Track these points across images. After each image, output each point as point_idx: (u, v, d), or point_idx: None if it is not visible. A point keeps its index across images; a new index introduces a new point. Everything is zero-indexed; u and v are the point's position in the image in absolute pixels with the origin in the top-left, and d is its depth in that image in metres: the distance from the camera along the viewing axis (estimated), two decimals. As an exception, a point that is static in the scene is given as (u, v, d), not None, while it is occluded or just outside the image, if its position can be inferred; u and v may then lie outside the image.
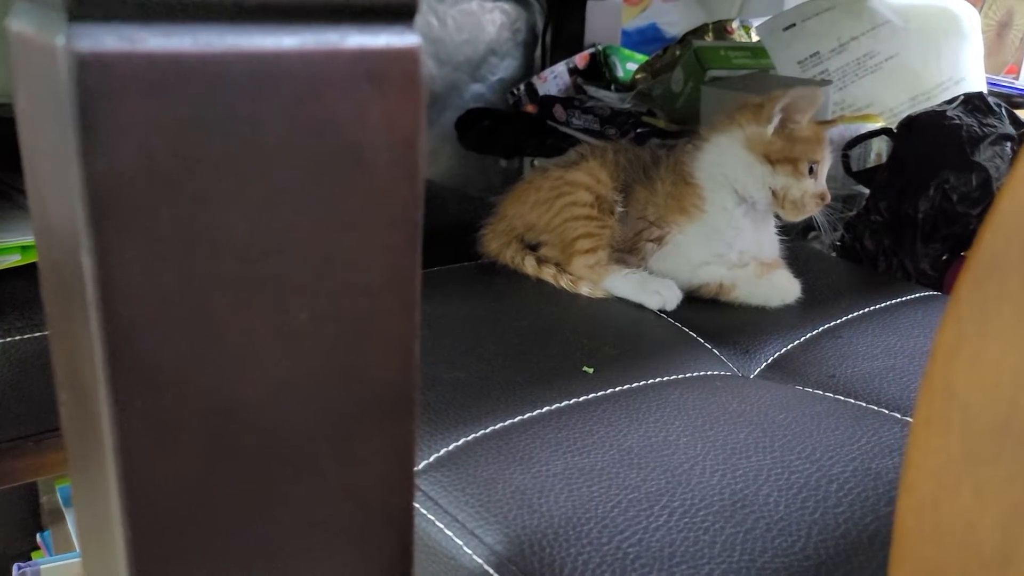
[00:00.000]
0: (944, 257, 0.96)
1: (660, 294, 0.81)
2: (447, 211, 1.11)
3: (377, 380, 0.31)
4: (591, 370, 0.67)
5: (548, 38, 1.63)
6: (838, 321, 0.79)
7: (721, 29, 1.44)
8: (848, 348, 0.73)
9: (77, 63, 0.23)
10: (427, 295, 0.84)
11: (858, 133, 1.11)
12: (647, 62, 1.48)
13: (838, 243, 1.04)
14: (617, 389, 0.65)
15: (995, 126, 0.95)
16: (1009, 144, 0.94)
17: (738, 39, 1.44)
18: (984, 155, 0.93)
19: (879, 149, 1.12)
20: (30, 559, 1.02)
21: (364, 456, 0.32)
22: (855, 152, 1.10)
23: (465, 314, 0.77)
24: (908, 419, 0.62)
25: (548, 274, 0.86)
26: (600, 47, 1.55)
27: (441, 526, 0.50)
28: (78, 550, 1.08)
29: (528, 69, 1.64)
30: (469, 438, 0.57)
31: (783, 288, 0.84)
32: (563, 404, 0.62)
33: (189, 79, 0.24)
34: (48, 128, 0.26)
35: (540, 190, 0.89)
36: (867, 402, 0.65)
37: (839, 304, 0.83)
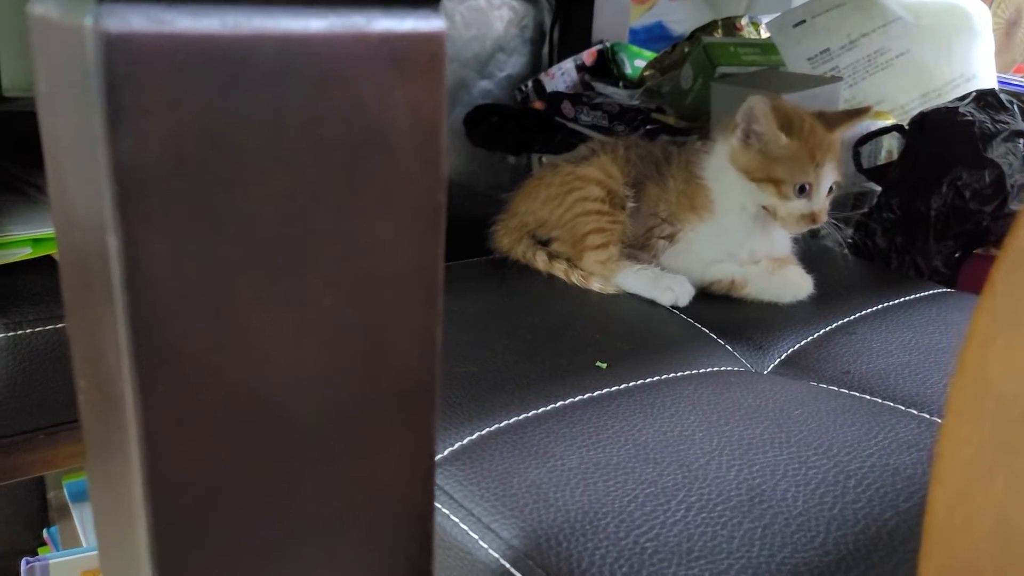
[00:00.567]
0: (957, 254, 0.96)
1: (672, 290, 0.81)
2: (455, 207, 1.11)
3: (399, 369, 0.31)
4: (604, 365, 0.67)
5: (556, 35, 1.63)
6: (852, 317, 0.79)
7: (730, 26, 1.44)
8: (862, 344, 0.73)
9: (105, 43, 0.23)
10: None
11: (869, 130, 1.10)
12: (656, 59, 1.47)
13: (849, 240, 1.04)
14: (631, 384, 0.64)
15: (1008, 122, 0.95)
16: (1022, 141, 0.94)
17: (747, 36, 1.44)
18: (997, 151, 0.92)
19: (890, 146, 1.11)
20: (36, 555, 1.02)
21: (386, 446, 0.32)
22: (866, 149, 1.09)
23: (477, 309, 0.77)
24: (925, 415, 0.61)
25: (559, 269, 0.85)
26: (608, 44, 1.54)
27: (456, 520, 0.50)
28: (85, 544, 1.08)
29: (536, 66, 1.63)
30: (483, 432, 0.57)
31: (795, 284, 0.84)
32: (577, 399, 0.62)
33: (216, 61, 0.24)
34: (72, 111, 0.25)
35: (551, 186, 0.89)
36: (883, 398, 0.64)
37: (852, 301, 0.82)
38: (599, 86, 1.46)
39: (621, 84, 1.48)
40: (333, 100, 0.27)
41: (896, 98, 1.20)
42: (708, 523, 0.47)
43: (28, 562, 0.96)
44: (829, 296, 0.84)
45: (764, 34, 1.44)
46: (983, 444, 0.26)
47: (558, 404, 0.61)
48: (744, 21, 1.46)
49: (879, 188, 1.04)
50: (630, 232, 0.87)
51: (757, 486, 0.51)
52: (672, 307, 0.81)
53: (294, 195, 0.27)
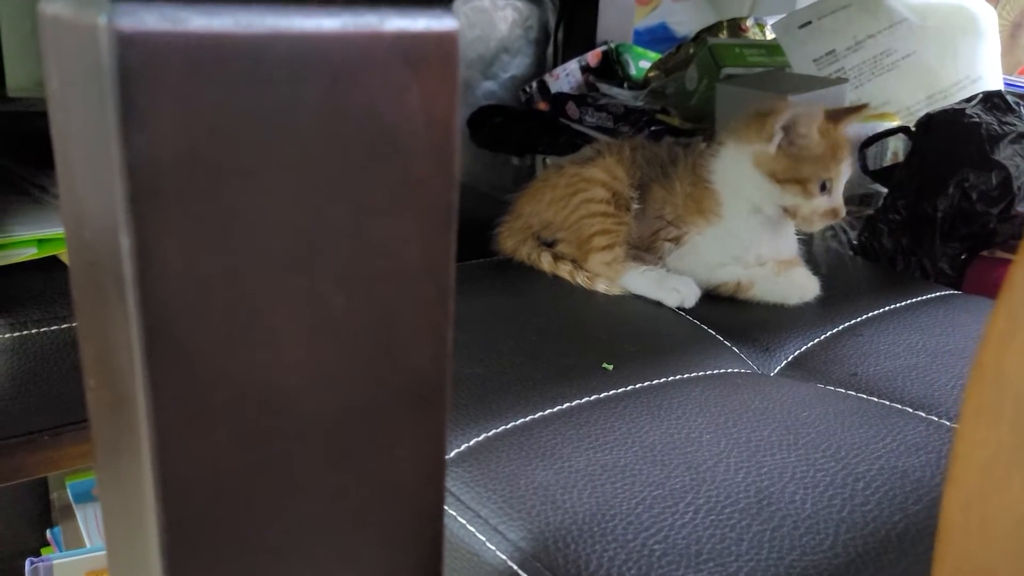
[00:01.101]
0: (963, 256, 0.96)
1: (678, 291, 0.81)
2: (460, 208, 1.11)
3: (411, 368, 0.31)
4: (610, 367, 0.67)
5: (560, 36, 1.62)
6: (858, 319, 0.79)
7: (736, 27, 1.44)
8: (870, 346, 0.73)
9: (119, 41, 0.22)
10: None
11: (874, 132, 1.10)
12: (660, 60, 1.47)
13: (855, 242, 1.04)
14: (637, 386, 0.64)
15: (1015, 124, 0.94)
16: (1029, 143, 0.94)
17: (753, 37, 1.44)
18: (1004, 153, 0.92)
19: (896, 148, 1.11)
20: (40, 555, 1.02)
21: (397, 446, 0.31)
22: (871, 151, 1.09)
23: (481, 311, 0.77)
24: (933, 418, 0.61)
25: (564, 271, 0.85)
26: (612, 45, 1.54)
27: (463, 522, 0.49)
28: (89, 545, 1.08)
29: (540, 67, 1.63)
30: (490, 434, 0.57)
31: (801, 286, 0.84)
32: (583, 400, 0.61)
33: (229, 59, 0.24)
34: (84, 109, 0.25)
35: (556, 187, 0.89)
36: (891, 400, 0.64)
37: (859, 302, 0.82)
38: (604, 87, 1.46)
39: (626, 85, 1.48)
40: (346, 99, 0.26)
41: (902, 100, 1.19)
42: (716, 525, 0.47)
43: (32, 563, 0.96)
44: (835, 298, 0.84)
45: (769, 35, 1.44)
46: (1000, 446, 0.26)
47: (565, 406, 0.60)
48: (749, 22, 1.46)
49: (885, 190, 1.04)
50: (635, 234, 0.86)
51: (765, 488, 0.50)
52: (678, 309, 0.81)
53: (307, 194, 0.27)
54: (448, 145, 0.29)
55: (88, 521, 1.13)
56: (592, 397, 0.62)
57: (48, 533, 1.20)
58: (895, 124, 1.12)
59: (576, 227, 0.86)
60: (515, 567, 0.46)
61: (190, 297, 0.26)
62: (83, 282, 0.31)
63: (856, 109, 0.85)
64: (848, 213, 0.86)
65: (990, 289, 0.91)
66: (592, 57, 1.55)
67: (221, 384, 0.27)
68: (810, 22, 1.22)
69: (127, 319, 0.25)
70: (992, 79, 1.23)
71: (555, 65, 1.59)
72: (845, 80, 1.17)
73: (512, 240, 0.90)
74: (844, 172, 0.82)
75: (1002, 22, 1.71)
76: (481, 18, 1.57)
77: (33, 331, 0.71)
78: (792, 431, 0.57)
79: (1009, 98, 0.98)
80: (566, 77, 1.54)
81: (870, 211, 1.04)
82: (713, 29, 1.44)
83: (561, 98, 1.42)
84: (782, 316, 0.80)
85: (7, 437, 0.74)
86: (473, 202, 1.14)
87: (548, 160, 1.38)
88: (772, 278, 0.84)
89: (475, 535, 0.48)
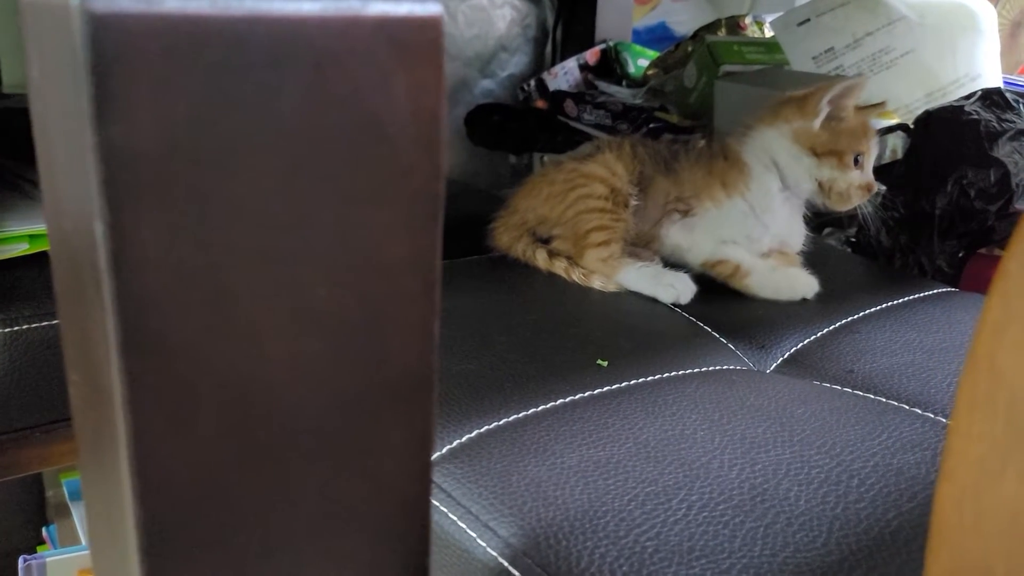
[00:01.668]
0: (961, 254, 0.95)
1: (674, 287, 0.80)
2: (456, 206, 1.10)
3: (397, 362, 0.30)
4: (605, 363, 0.66)
5: (559, 34, 1.62)
6: (855, 317, 0.78)
7: (734, 24, 1.43)
8: (866, 344, 0.72)
9: (91, 23, 0.22)
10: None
11: (875, 128, 1.09)
12: (659, 58, 1.47)
13: (853, 239, 1.03)
14: (632, 382, 0.64)
15: (1014, 121, 0.94)
16: (1028, 140, 0.93)
17: (751, 34, 1.43)
18: (1003, 151, 0.92)
19: (894, 145, 1.10)
20: (35, 553, 1.02)
21: (382, 441, 0.31)
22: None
23: (476, 307, 0.76)
24: (929, 415, 0.61)
25: (560, 267, 0.85)
26: (611, 43, 1.54)
27: (454, 518, 0.49)
28: (84, 542, 1.08)
29: (538, 65, 1.63)
30: (482, 430, 0.56)
31: (797, 283, 0.83)
32: (577, 397, 0.61)
33: (207, 43, 0.24)
34: (61, 95, 0.25)
35: (554, 183, 0.88)
36: (887, 398, 0.64)
37: (856, 300, 0.82)
38: (602, 85, 1.45)
39: (624, 83, 1.48)
40: (329, 85, 0.26)
41: (901, 97, 1.19)
42: (709, 522, 0.47)
43: (25, 560, 0.95)
44: (833, 295, 0.83)
45: (768, 33, 1.43)
46: (995, 440, 0.25)
47: (558, 402, 0.60)
48: (748, 20, 1.46)
49: (884, 187, 1.03)
50: (633, 230, 0.86)
51: (759, 485, 0.50)
52: (673, 305, 0.80)
53: (290, 182, 0.26)
54: (434, 134, 0.28)
55: (83, 518, 1.13)
56: (586, 393, 0.61)
57: (44, 530, 1.20)
58: (894, 122, 1.12)
59: (573, 223, 0.86)
60: (505, 564, 0.46)
61: (168, 289, 0.25)
62: (63, 274, 0.30)
63: (875, 106, 0.89)
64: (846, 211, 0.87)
65: (988, 287, 0.90)
66: (591, 55, 1.54)
67: (201, 378, 0.26)
68: (809, 19, 1.21)
69: (103, 311, 0.25)
70: (991, 77, 1.22)
71: (554, 63, 1.59)
72: (844, 78, 1.17)
73: (507, 236, 0.89)
74: (873, 149, 0.87)
75: (1002, 21, 1.71)
76: (479, 16, 1.56)
77: (24, 327, 0.71)
78: (787, 428, 0.56)
79: (1008, 95, 0.98)
80: (564, 75, 1.53)
81: (870, 208, 1.03)
82: (712, 27, 1.43)
83: (559, 96, 1.41)
84: (779, 313, 0.80)
85: (-1, 434, 0.73)
86: (470, 200, 1.14)
87: (546, 158, 1.37)
88: (769, 271, 0.84)
89: (466, 531, 0.48)
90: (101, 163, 0.23)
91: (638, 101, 1.34)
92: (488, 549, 0.47)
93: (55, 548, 1.13)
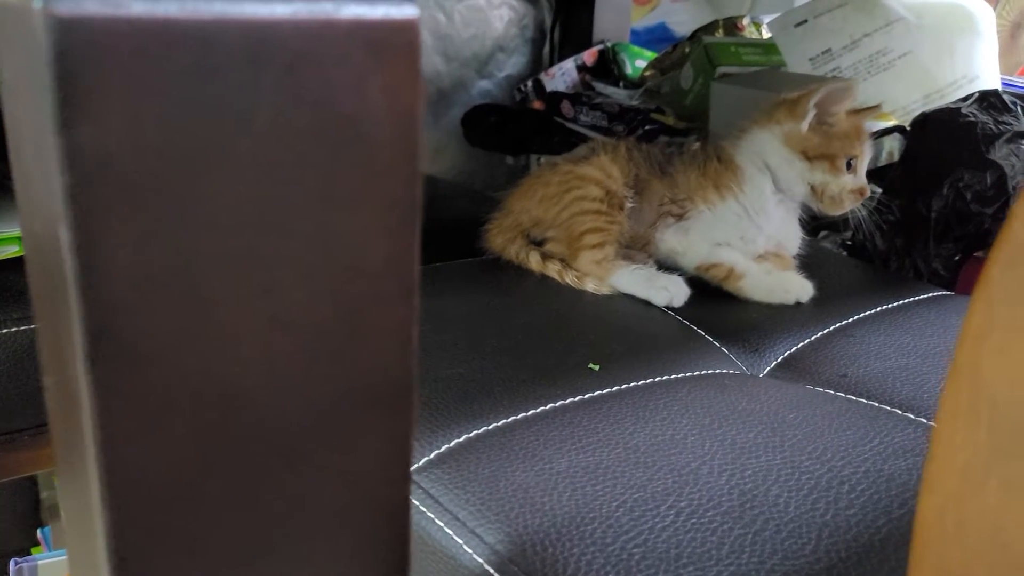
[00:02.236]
0: (957, 257, 0.95)
1: (667, 290, 0.80)
2: (453, 207, 1.10)
3: (374, 367, 0.30)
4: (597, 367, 0.66)
5: (556, 34, 1.62)
6: (849, 320, 0.78)
7: (732, 25, 1.43)
8: (860, 347, 0.72)
9: (56, 26, 0.22)
10: (431, 290, 0.83)
11: (871, 130, 1.09)
12: (656, 59, 1.46)
13: (848, 242, 1.03)
14: (623, 386, 0.63)
15: (1011, 124, 0.93)
16: (1024, 142, 0.93)
17: (749, 36, 1.43)
18: (999, 153, 0.91)
19: (891, 147, 1.10)
20: (30, 555, 1.02)
21: (360, 446, 0.30)
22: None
23: (468, 310, 0.76)
24: (922, 420, 0.60)
25: (553, 270, 0.84)
26: (609, 44, 1.53)
27: (441, 524, 0.49)
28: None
29: (536, 66, 1.62)
30: (471, 435, 0.56)
31: (791, 287, 0.83)
32: (567, 401, 0.61)
33: (176, 46, 0.23)
34: (29, 99, 0.24)
35: (549, 184, 0.88)
36: (880, 402, 0.63)
37: (850, 303, 0.81)
38: (599, 86, 1.45)
39: (622, 84, 1.47)
40: (303, 87, 0.26)
41: (898, 99, 1.18)
42: (697, 529, 0.46)
43: (16, 563, 0.95)
44: (827, 298, 0.83)
45: (766, 34, 1.43)
46: (977, 449, 0.25)
47: (548, 406, 0.60)
48: (746, 21, 1.45)
49: (879, 190, 1.03)
50: (628, 233, 0.86)
51: (748, 491, 0.49)
52: (667, 308, 0.80)
53: (263, 184, 0.26)
54: (411, 136, 0.28)
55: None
56: (577, 398, 0.61)
57: (39, 532, 1.20)
58: (891, 124, 1.11)
59: (567, 224, 0.85)
60: (491, 570, 0.45)
61: (139, 294, 0.25)
62: (36, 278, 0.30)
63: (870, 109, 0.89)
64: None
65: (977, 284, 0.90)
66: (588, 56, 1.54)
67: (172, 383, 0.26)
68: (806, 20, 1.21)
69: (70, 312, 0.24)
70: (989, 78, 1.22)
71: (551, 64, 1.58)
72: (841, 79, 1.16)
73: (501, 238, 0.89)
74: (867, 153, 0.86)
75: (1001, 22, 1.70)
76: (477, 17, 1.56)
77: (13, 329, 0.71)
78: (778, 433, 0.56)
79: (1006, 97, 0.97)
80: (562, 76, 1.53)
81: (865, 211, 1.02)
82: (709, 28, 1.43)
83: (556, 97, 1.41)
84: (772, 317, 0.79)
85: (-12, 436, 0.73)
86: (467, 201, 1.13)
87: (543, 159, 1.37)
88: (764, 274, 0.83)
89: (452, 538, 0.48)
90: (66, 168, 0.23)
91: (634, 102, 1.34)
92: (474, 556, 0.46)
93: (49, 550, 1.13)
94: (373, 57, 0.27)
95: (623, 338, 0.72)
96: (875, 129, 1.09)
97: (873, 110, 0.90)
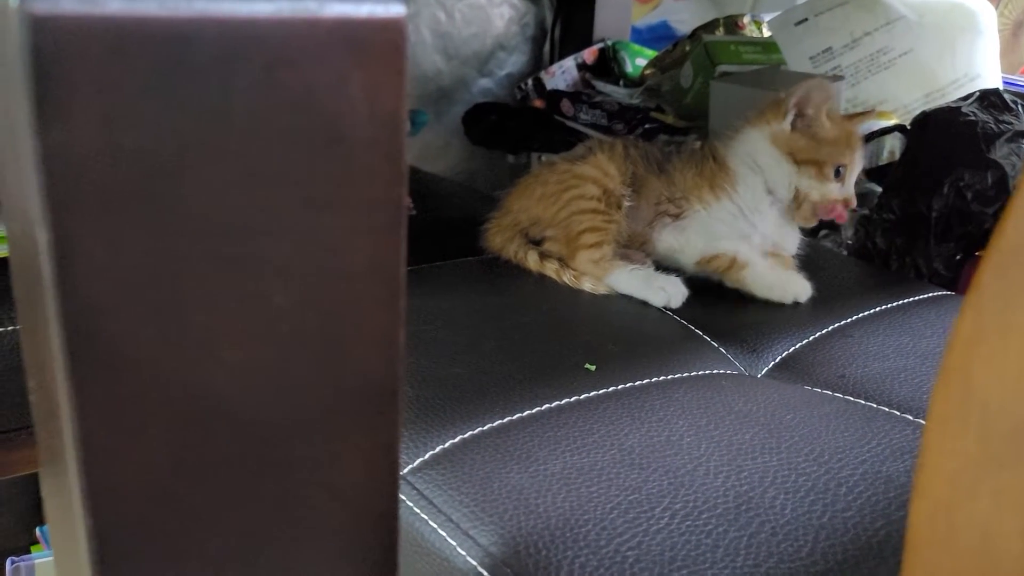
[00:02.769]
0: (957, 257, 0.94)
1: (665, 290, 0.79)
2: (453, 205, 1.10)
3: (358, 372, 0.29)
4: (593, 367, 0.65)
5: (557, 33, 1.61)
6: (848, 320, 0.77)
7: (732, 24, 1.42)
8: (859, 348, 0.71)
9: (31, 25, 0.21)
10: (428, 290, 0.82)
11: (870, 130, 1.08)
12: (656, 57, 1.46)
13: (849, 241, 1.02)
14: (619, 387, 0.63)
15: (1011, 123, 0.93)
16: (1026, 141, 0.92)
17: (749, 34, 1.42)
18: (1000, 152, 0.91)
19: (892, 146, 1.09)
20: (30, 553, 1.01)
21: (345, 452, 0.30)
22: (867, 149, 1.07)
23: (465, 309, 0.76)
24: (920, 421, 0.60)
25: (551, 269, 0.84)
26: (609, 42, 1.53)
27: (434, 526, 0.48)
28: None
29: (536, 64, 1.62)
30: (465, 436, 0.55)
31: (792, 285, 0.82)
32: (563, 402, 0.60)
33: (153, 45, 0.23)
34: (7, 98, 0.24)
35: (547, 184, 0.87)
36: (878, 403, 0.63)
37: (850, 303, 0.81)
38: (599, 84, 1.44)
39: (622, 83, 1.47)
40: (283, 87, 0.25)
41: (899, 98, 1.18)
42: (692, 531, 0.46)
43: (13, 562, 0.95)
44: (827, 298, 0.82)
45: (766, 33, 1.42)
46: (967, 457, 0.25)
47: (544, 407, 0.59)
48: (746, 19, 1.45)
49: (880, 189, 1.02)
50: (626, 231, 0.85)
51: (744, 493, 0.49)
52: (665, 308, 0.79)
53: (243, 186, 0.26)
54: (395, 137, 0.28)
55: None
56: (572, 398, 0.61)
57: (38, 531, 1.19)
58: (891, 122, 1.11)
59: (565, 224, 0.85)
60: (484, 572, 0.45)
61: (116, 297, 0.24)
62: (19, 280, 0.29)
63: (864, 113, 0.89)
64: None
65: (969, 288, 0.89)
66: (588, 55, 1.54)
67: (152, 386, 0.26)
68: (807, 19, 1.21)
69: (48, 316, 0.24)
70: (990, 77, 1.21)
71: (551, 62, 1.58)
72: (841, 78, 1.16)
73: (500, 237, 0.89)
74: (857, 163, 0.85)
75: (1003, 21, 1.69)
76: (477, 15, 1.55)
77: (8, 328, 0.70)
78: (775, 434, 0.55)
79: (1007, 96, 0.97)
80: (562, 74, 1.52)
81: (865, 210, 1.02)
82: (709, 26, 1.42)
83: (556, 95, 1.41)
84: (771, 316, 0.79)
85: (-15, 435, 0.73)
86: (468, 200, 1.13)
87: (543, 157, 1.37)
88: (767, 269, 0.83)
89: (445, 539, 0.47)
90: (43, 169, 0.22)
91: (634, 101, 1.33)
92: (468, 558, 0.46)
93: (48, 549, 1.13)
94: (355, 56, 0.26)
95: (620, 338, 0.72)
96: (874, 129, 1.09)
97: (866, 115, 0.89)
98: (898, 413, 0.61)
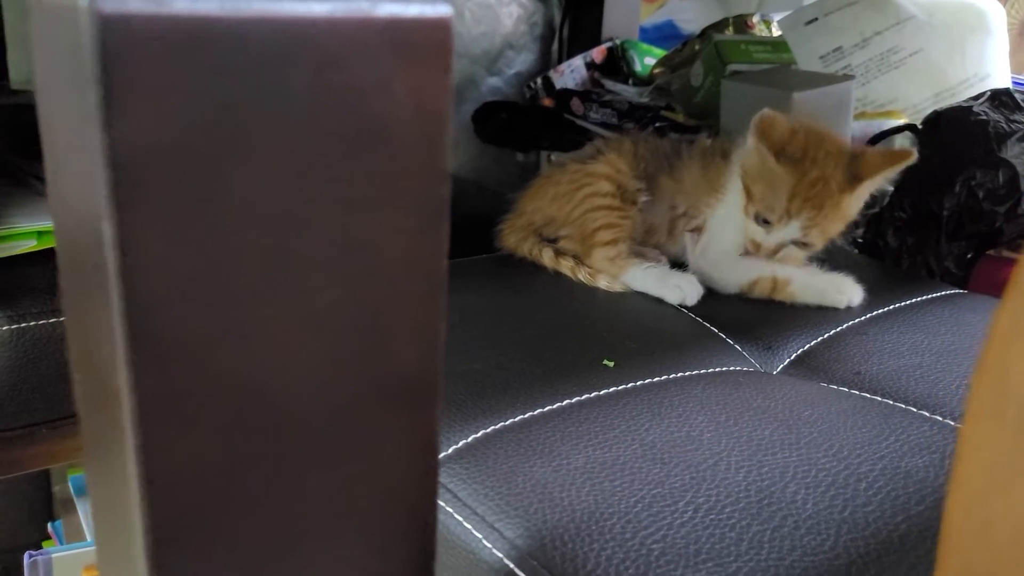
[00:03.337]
0: (969, 255, 0.95)
1: (680, 288, 0.80)
2: (463, 204, 1.10)
3: (400, 366, 0.30)
4: (611, 363, 0.66)
5: (565, 32, 1.62)
6: (863, 318, 0.78)
7: (742, 23, 1.43)
8: (874, 345, 0.72)
9: (100, 23, 0.22)
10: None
11: (881, 130, 1.09)
12: (666, 56, 1.46)
13: (860, 240, 1.03)
14: (638, 383, 0.64)
15: (1022, 122, 0.93)
16: (1037, 141, 0.93)
17: (759, 33, 1.43)
18: (1011, 151, 0.91)
19: (902, 146, 1.10)
20: (41, 548, 1.02)
21: (387, 444, 0.31)
22: (877, 148, 1.08)
23: (482, 306, 0.76)
24: (937, 417, 0.60)
25: (566, 267, 0.85)
26: (618, 41, 1.53)
27: (460, 519, 0.49)
28: (89, 538, 1.08)
29: (545, 63, 1.62)
30: (488, 430, 0.56)
31: (849, 287, 0.80)
32: (583, 397, 0.61)
33: (214, 43, 0.23)
34: (68, 95, 0.25)
35: (560, 183, 0.88)
36: (894, 400, 0.63)
37: (863, 301, 0.81)
38: (609, 83, 1.45)
39: (631, 82, 1.47)
40: (335, 86, 0.26)
41: (909, 97, 1.18)
42: (716, 525, 0.46)
43: (31, 556, 0.95)
44: (840, 296, 0.82)
45: (776, 32, 1.43)
46: (1003, 449, 0.25)
47: (564, 403, 0.60)
48: (756, 19, 1.45)
49: (891, 188, 1.03)
50: (642, 226, 0.86)
51: (766, 488, 0.50)
52: (680, 306, 0.80)
53: (293, 183, 0.26)
54: (439, 136, 0.28)
55: (89, 515, 1.13)
56: (592, 394, 0.61)
57: (49, 526, 1.20)
58: (902, 122, 1.11)
59: (580, 221, 0.86)
60: (512, 565, 0.45)
61: (173, 290, 0.25)
62: (69, 273, 0.30)
63: (897, 158, 0.80)
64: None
65: (997, 288, 0.90)
66: (597, 54, 1.54)
67: (206, 377, 0.26)
68: (817, 18, 1.21)
69: (109, 311, 0.25)
70: (1000, 77, 1.22)
71: (560, 61, 1.58)
72: (852, 77, 1.16)
73: (514, 237, 0.89)
74: (790, 230, 0.79)
75: (1011, 20, 1.70)
76: (487, 14, 1.56)
77: (31, 323, 0.71)
78: (794, 430, 0.56)
79: (1017, 96, 0.97)
80: (571, 73, 1.53)
81: (876, 209, 1.03)
82: (719, 25, 1.43)
83: (566, 94, 1.41)
84: (785, 314, 0.79)
85: (5, 430, 0.73)
86: (478, 198, 1.14)
87: (553, 156, 1.37)
88: (808, 276, 0.81)
89: (472, 532, 0.48)
90: (108, 163, 0.23)
91: (644, 100, 1.34)
92: (494, 551, 0.47)
93: (61, 544, 1.14)
94: (401, 55, 0.27)
95: (637, 335, 0.72)
96: (884, 128, 1.09)
97: (897, 162, 0.80)
98: (915, 410, 0.61)
